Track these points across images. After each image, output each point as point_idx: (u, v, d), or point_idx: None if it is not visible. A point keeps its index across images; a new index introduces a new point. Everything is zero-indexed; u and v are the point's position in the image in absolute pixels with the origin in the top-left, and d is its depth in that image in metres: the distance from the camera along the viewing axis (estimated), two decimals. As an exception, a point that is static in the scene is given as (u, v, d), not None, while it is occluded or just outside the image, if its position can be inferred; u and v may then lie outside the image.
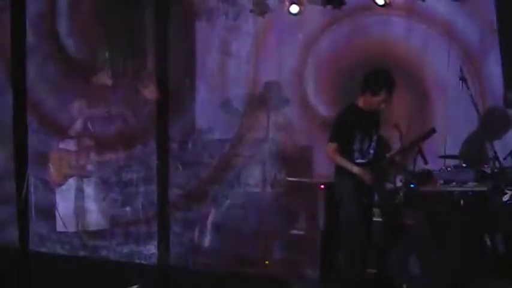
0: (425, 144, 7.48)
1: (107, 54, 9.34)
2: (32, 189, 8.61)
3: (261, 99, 8.81)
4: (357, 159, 7.07)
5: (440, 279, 6.92)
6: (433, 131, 7.35)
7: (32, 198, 8.75)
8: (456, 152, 8.19)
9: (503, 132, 8.26)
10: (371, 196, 7.24)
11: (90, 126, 9.38)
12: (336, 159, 7.09)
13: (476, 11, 8.29)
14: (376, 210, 7.43)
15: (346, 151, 7.05)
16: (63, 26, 9.26)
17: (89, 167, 9.34)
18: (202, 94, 9.16)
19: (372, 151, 7.13)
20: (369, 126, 7.13)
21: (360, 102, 7.11)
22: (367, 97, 7.05)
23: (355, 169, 7.00)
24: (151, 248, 8.41)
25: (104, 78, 9.34)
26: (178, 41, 8.45)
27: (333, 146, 7.05)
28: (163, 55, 8.04)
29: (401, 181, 7.65)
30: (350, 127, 7.05)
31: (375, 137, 7.16)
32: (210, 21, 9.01)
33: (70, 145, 9.38)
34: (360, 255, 7.07)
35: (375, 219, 7.37)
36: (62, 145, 9.41)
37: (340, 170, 7.14)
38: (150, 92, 8.67)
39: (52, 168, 9.35)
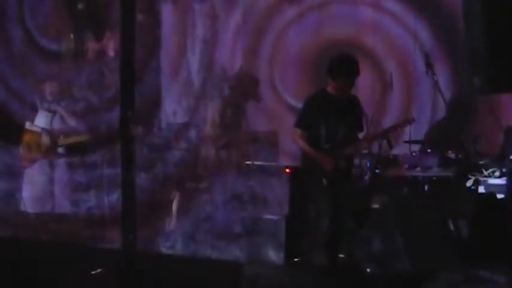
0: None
1: (71, 36, 9.27)
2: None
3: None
4: (324, 144, 7.04)
5: (404, 263, 6.94)
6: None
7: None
8: (422, 138, 8.25)
9: (468, 118, 8.31)
10: (338, 182, 7.08)
11: (59, 109, 9.31)
12: (298, 143, 7.14)
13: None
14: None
15: (313, 136, 7.03)
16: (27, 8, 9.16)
17: (57, 150, 9.27)
18: (168, 77, 9.11)
19: (340, 136, 7.06)
20: (339, 111, 7.06)
21: (329, 88, 7.12)
22: (331, 83, 7.07)
23: (314, 154, 7.01)
24: (116, 232, 8.35)
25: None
26: (143, 23, 8.40)
27: (297, 130, 7.10)
28: (129, 36, 7.97)
29: (366, 165, 7.67)
30: (315, 112, 7.04)
31: (345, 123, 7.07)
32: (177, 2, 8.96)
33: (39, 127, 9.31)
34: (326, 242, 7.06)
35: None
36: (31, 127, 9.33)
37: (305, 155, 7.15)
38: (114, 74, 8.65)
39: (21, 150, 9.29)
